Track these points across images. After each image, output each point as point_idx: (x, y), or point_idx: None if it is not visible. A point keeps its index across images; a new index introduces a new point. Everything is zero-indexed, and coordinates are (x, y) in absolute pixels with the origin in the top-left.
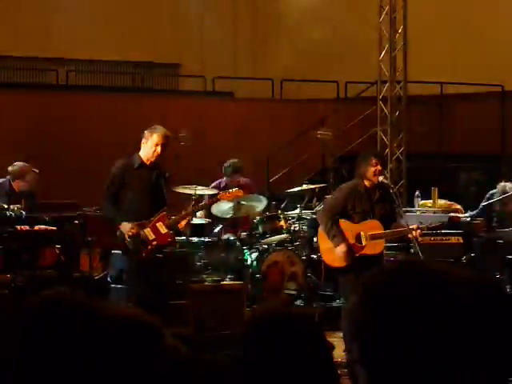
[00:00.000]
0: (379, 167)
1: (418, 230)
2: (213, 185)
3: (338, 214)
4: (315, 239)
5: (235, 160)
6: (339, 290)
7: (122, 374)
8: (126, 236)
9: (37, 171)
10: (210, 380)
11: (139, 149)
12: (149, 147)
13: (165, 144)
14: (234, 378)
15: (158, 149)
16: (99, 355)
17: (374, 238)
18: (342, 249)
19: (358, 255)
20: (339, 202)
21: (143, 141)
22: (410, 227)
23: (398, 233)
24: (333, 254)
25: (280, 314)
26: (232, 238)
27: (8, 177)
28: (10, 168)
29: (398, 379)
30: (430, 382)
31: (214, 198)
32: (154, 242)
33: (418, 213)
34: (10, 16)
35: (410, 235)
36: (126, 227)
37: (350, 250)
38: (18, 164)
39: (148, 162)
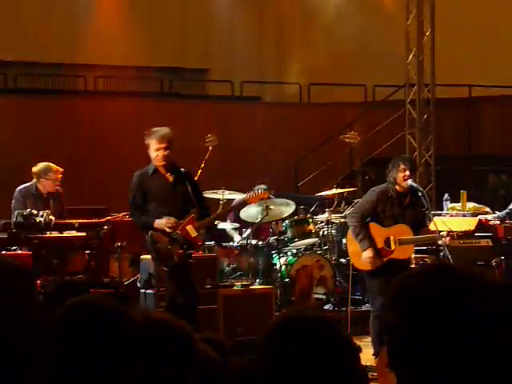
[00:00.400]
0: (408, 172)
1: (448, 237)
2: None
3: (368, 217)
4: (344, 242)
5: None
6: (367, 293)
7: (154, 380)
8: (166, 228)
9: (61, 169)
10: None
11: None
12: (153, 153)
13: (166, 145)
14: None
15: (161, 152)
16: (130, 361)
17: (403, 242)
18: (368, 254)
19: (386, 259)
20: (370, 205)
21: (148, 148)
22: (440, 234)
23: (427, 238)
24: (361, 257)
25: (303, 317)
26: (261, 242)
27: (34, 180)
28: (33, 169)
29: (429, 383)
30: None
31: (240, 200)
32: (185, 246)
33: (447, 216)
34: (40, 23)
35: (439, 241)
36: (162, 222)
37: (378, 254)
38: (42, 164)
39: (160, 167)
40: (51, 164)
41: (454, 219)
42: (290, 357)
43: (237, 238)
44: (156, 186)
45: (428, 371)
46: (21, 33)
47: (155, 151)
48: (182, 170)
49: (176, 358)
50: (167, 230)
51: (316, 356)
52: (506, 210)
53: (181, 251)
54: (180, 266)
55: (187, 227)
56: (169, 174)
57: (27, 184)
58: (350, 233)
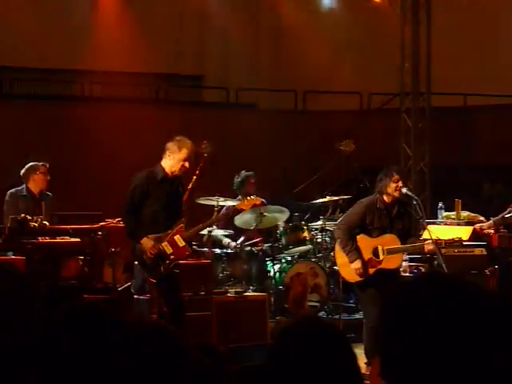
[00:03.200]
0: (400, 183)
1: (433, 245)
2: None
3: (355, 229)
4: (333, 253)
5: (244, 173)
6: (359, 304)
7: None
8: (148, 253)
9: (47, 165)
10: None
11: (161, 158)
12: (175, 161)
13: (192, 158)
14: None
15: (186, 164)
16: (123, 366)
17: (391, 252)
18: (356, 265)
19: (375, 269)
20: (358, 217)
21: (168, 153)
22: (426, 242)
23: (414, 247)
24: (350, 268)
25: (308, 325)
26: (255, 249)
27: (24, 183)
28: (21, 171)
29: None
30: None
31: (230, 207)
32: (172, 256)
33: (441, 225)
34: (37, 29)
35: (425, 249)
36: (148, 245)
37: (366, 265)
38: (27, 164)
39: (171, 175)
40: (37, 162)
41: (447, 228)
42: (291, 363)
43: (226, 241)
44: (161, 192)
45: (421, 381)
46: (18, 38)
47: (180, 161)
48: (182, 182)
49: (169, 364)
50: (148, 254)
51: (317, 362)
52: (499, 217)
53: (167, 262)
54: (167, 276)
55: (175, 237)
56: (174, 182)
57: (18, 188)
58: (337, 245)
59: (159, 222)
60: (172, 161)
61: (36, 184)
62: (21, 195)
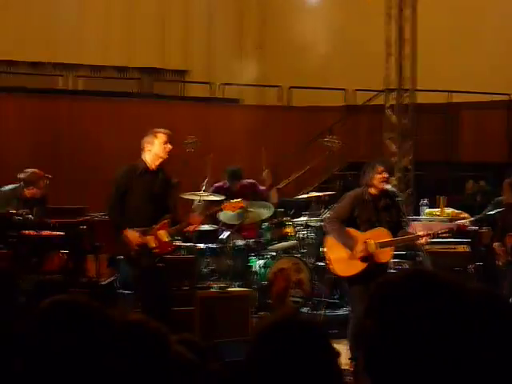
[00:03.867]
0: (385, 174)
1: (425, 237)
2: (216, 185)
3: (344, 222)
4: (321, 248)
5: (233, 168)
6: (347, 299)
7: (130, 379)
8: (134, 245)
9: (50, 177)
10: None
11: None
12: (157, 148)
13: (172, 142)
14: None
15: (169, 145)
16: (106, 360)
17: (382, 245)
18: (360, 247)
19: (366, 264)
20: (346, 210)
21: (146, 146)
22: (418, 234)
23: (406, 240)
24: (342, 263)
25: (287, 322)
26: (239, 244)
27: (21, 183)
28: (21, 175)
29: None
30: None
31: (217, 208)
32: (156, 250)
33: (424, 221)
34: (18, 22)
35: (418, 242)
36: (133, 236)
37: (357, 260)
38: (30, 170)
39: (155, 166)
40: (38, 171)
41: (431, 224)
42: (271, 360)
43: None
44: (142, 186)
45: (403, 378)
46: (2, 31)
47: (162, 144)
48: (175, 180)
49: (152, 358)
50: (133, 245)
51: (297, 359)
52: (481, 215)
53: (150, 256)
54: (151, 270)
55: (159, 232)
56: (157, 175)
57: (12, 186)
58: (329, 240)
59: (141, 215)
60: (153, 149)
61: (31, 194)
62: (14, 197)
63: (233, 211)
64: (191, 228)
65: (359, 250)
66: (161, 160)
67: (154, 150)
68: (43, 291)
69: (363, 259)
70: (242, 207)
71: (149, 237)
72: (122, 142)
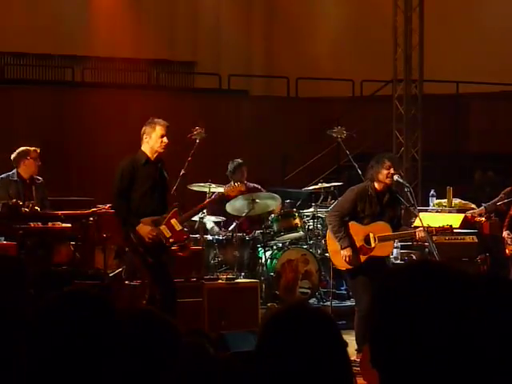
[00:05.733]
0: (392, 170)
1: (423, 232)
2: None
3: (347, 216)
4: (324, 241)
5: (237, 161)
6: (350, 291)
7: (137, 371)
8: (146, 239)
9: (38, 150)
10: (229, 378)
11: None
12: (154, 140)
13: (168, 133)
14: (250, 375)
15: (165, 139)
16: (114, 352)
17: (382, 239)
18: (346, 252)
19: (366, 257)
20: (349, 204)
21: (145, 137)
22: (418, 229)
23: (406, 234)
24: (341, 256)
25: (297, 311)
26: (246, 235)
27: (14, 168)
28: (12, 155)
29: (410, 381)
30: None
31: (218, 193)
32: (171, 240)
33: (433, 212)
34: (26, 14)
35: (417, 236)
36: (145, 230)
37: (357, 252)
38: (18, 149)
39: (153, 157)
40: (27, 147)
41: (439, 215)
42: (281, 350)
43: (210, 226)
44: (147, 176)
45: (410, 369)
46: (9, 23)
47: (159, 137)
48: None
49: (160, 350)
50: (146, 239)
51: (306, 348)
52: (490, 203)
53: (167, 245)
54: (164, 261)
55: (171, 221)
56: (157, 165)
57: (8, 172)
58: (329, 231)
59: (147, 205)
60: (150, 141)
61: (27, 169)
62: (11, 180)
63: (232, 194)
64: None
65: (346, 254)
66: (156, 154)
67: (151, 142)
68: (50, 283)
69: (363, 252)
70: (241, 191)
71: (162, 227)
72: (131, 133)
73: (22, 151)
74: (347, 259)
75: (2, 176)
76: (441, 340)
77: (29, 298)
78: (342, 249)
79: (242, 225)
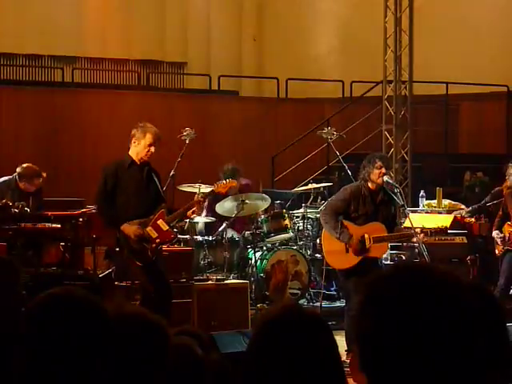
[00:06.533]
0: (384, 170)
1: (422, 234)
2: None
3: (340, 215)
4: (319, 240)
5: (232, 166)
6: (342, 292)
7: (127, 372)
8: (133, 237)
9: (44, 175)
10: (219, 379)
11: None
12: (141, 147)
13: (157, 144)
14: (241, 376)
15: (152, 149)
16: (104, 354)
17: (378, 240)
18: (354, 240)
19: (361, 257)
20: (343, 203)
21: (134, 140)
22: (414, 231)
23: (401, 236)
24: (337, 255)
25: (289, 313)
26: (236, 236)
27: (15, 174)
28: (18, 169)
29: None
30: None
31: (209, 192)
32: (158, 240)
33: (422, 213)
34: (16, 14)
35: (414, 239)
36: (131, 229)
37: (353, 253)
38: (27, 166)
39: (139, 161)
40: (35, 168)
41: (429, 216)
42: (272, 351)
43: (200, 227)
44: (130, 179)
45: (398, 373)
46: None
47: (147, 146)
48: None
49: (150, 351)
50: (132, 237)
51: (298, 349)
52: (479, 204)
53: (153, 245)
54: (155, 260)
55: (158, 222)
56: (143, 168)
57: (7, 178)
58: (324, 232)
59: (134, 208)
60: (138, 147)
61: (25, 188)
62: (9, 188)
63: (224, 191)
64: (190, 213)
65: (353, 243)
66: (141, 160)
67: (138, 148)
68: (39, 284)
69: (358, 253)
70: (232, 187)
71: (148, 228)
72: (121, 134)
73: (29, 174)
74: (357, 247)
75: (5, 179)
76: (429, 346)
77: (21, 299)
78: (345, 242)
79: (235, 224)
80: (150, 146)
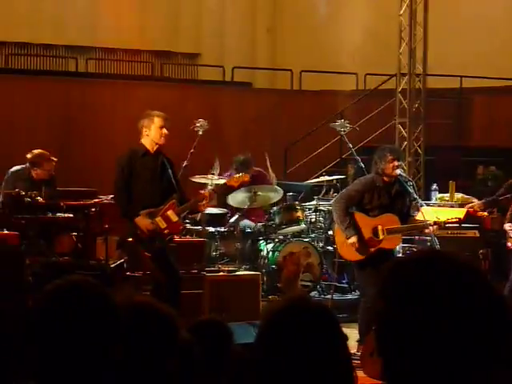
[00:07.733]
0: (396, 162)
1: (435, 226)
2: (225, 175)
3: (352, 206)
4: (331, 232)
5: (243, 157)
6: (356, 283)
7: (136, 363)
8: (145, 231)
9: (55, 159)
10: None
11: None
12: (154, 133)
13: (167, 125)
14: (251, 367)
15: (165, 130)
16: (113, 344)
17: (391, 232)
18: (353, 240)
19: (374, 249)
20: (357, 194)
21: (144, 130)
22: (428, 222)
23: (415, 227)
24: (350, 247)
25: (297, 304)
26: (248, 228)
27: (27, 164)
28: (28, 155)
29: (414, 371)
30: (445, 374)
31: (221, 185)
32: (166, 231)
33: (435, 206)
34: (30, 4)
35: (426, 230)
36: (144, 222)
37: (365, 244)
38: (36, 152)
39: (153, 150)
40: (45, 152)
41: (441, 209)
42: (280, 343)
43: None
44: (145, 168)
45: (416, 358)
46: (12, 13)
47: (159, 130)
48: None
49: (158, 341)
50: (145, 232)
51: (306, 342)
52: (493, 197)
53: (161, 237)
54: (162, 250)
55: (168, 212)
56: (157, 157)
57: (20, 167)
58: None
59: (147, 197)
60: (151, 134)
61: (37, 175)
62: (21, 177)
63: (236, 185)
64: (202, 206)
65: (352, 241)
66: (157, 146)
67: (152, 134)
68: (51, 273)
69: (371, 245)
70: (245, 181)
71: (157, 218)
72: (133, 125)
73: (38, 159)
74: (354, 246)
75: (13, 171)
76: (449, 333)
77: (27, 286)
78: (347, 238)
79: (250, 215)
80: (161, 128)
